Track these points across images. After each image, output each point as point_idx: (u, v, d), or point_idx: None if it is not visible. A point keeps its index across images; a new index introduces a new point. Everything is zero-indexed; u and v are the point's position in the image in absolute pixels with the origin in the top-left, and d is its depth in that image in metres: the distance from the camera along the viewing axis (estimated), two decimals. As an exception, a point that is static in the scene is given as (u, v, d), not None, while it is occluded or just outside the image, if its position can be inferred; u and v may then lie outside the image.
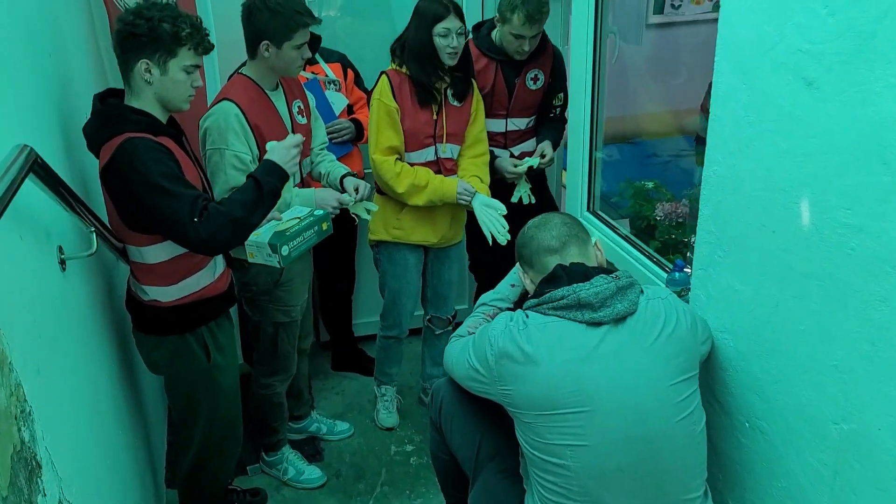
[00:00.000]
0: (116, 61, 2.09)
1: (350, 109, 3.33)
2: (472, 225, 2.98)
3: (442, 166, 2.95)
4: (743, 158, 1.76)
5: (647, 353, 1.64)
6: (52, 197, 1.72)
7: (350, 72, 3.34)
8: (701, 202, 1.95)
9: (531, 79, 3.20)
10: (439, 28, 2.68)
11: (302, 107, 2.71)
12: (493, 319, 1.96)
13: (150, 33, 1.97)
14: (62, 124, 2.10)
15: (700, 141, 3.26)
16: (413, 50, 2.76)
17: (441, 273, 3.20)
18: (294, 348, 2.94)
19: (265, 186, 2.12)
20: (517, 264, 2.08)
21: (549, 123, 3.34)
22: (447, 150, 2.94)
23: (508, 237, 2.73)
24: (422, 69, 2.77)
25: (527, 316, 1.70)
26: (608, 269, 1.75)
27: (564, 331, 1.64)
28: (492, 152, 3.14)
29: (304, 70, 3.17)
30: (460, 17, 2.73)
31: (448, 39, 2.69)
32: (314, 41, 3.20)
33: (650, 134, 4.88)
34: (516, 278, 2.02)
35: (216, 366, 2.30)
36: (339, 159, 3.24)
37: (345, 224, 3.34)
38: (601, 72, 2.86)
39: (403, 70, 2.82)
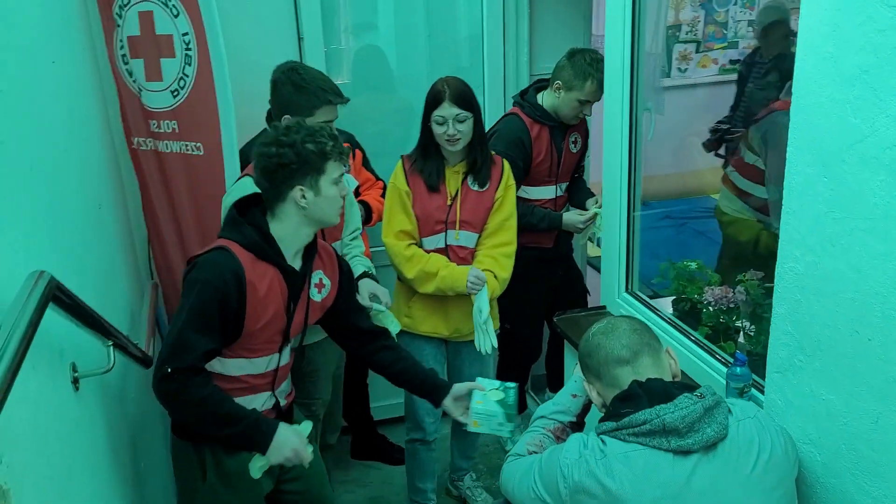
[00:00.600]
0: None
1: (357, 190, 3.19)
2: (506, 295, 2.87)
3: (453, 254, 2.76)
4: (827, 257, 1.61)
5: (745, 487, 1.46)
6: (69, 318, 1.55)
7: (358, 152, 3.22)
8: (775, 299, 1.80)
9: (572, 142, 3.28)
10: (435, 115, 2.56)
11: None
12: (553, 435, 1.79)
13: (298, 159, 1.90)
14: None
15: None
16: (420, 137, 2.69)
17: (461, 369, 2.95)
18: (316, 443, 2.74)
19: (246, 429, 1.94)
20: (576, 371, 1.91)
21: (578, 183, 3.47)
22: (460, 237, 2.75)
23: (490, 352, 2.74)
24: (422, 155, 2.69)
25: (603, 442, 1.52)
26: (689, 385, 1.58)
27: (650, 462, 1.47)
28: (550, 213, 3.26)
29: None
30: (462, 102, 2.55)
31: (444, 127, 2.56)
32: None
33: (659, 196, 4.80)
34: (578, 388, 1.85)
35: (214, 490, 2.04)
36: None
37: None
38: (637, 149, 2.74)
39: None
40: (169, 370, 1.82)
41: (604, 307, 2.95)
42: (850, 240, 1.55)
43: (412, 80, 3.57)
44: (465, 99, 2.56)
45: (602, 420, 1.57)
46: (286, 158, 1.89)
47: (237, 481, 2.03)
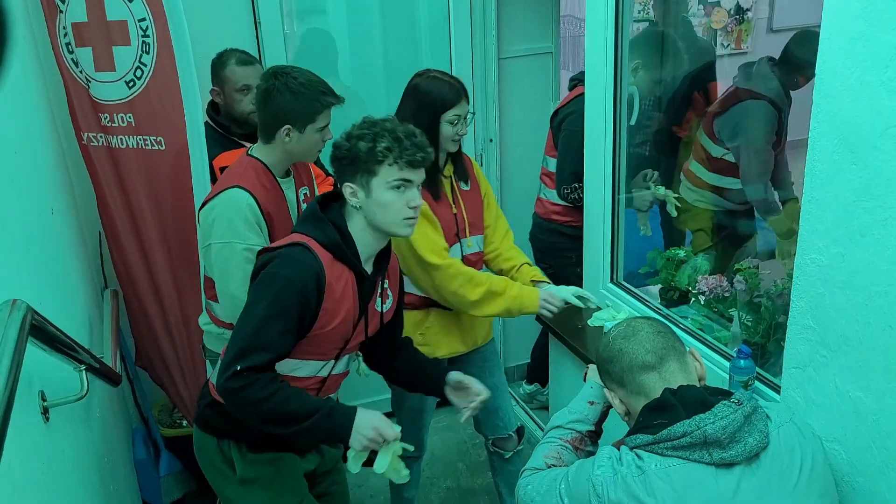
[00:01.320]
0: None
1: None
2: None
3: (468, 263, 2.48)
4: (856, 248, 1.54)
5: (792, 499, 1.37)
6: (42, 347, 1.37)
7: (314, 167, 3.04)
8: (794, 292, 1.72)
9: None
10: (449, 115, 2.30)
11: (308, 194, 2.40)
12: (571, 446, 1.69)
13: (349, 154, 1.79)
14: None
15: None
16: None
17: (483, 380, 2.64)
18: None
19: (320, 423, 1.76)
20: (590, 376, 1.80)
21: None
22: (472, 243, 2.51)
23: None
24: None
25: (639, 457, 1.41)
26: (723, 391, 1.49)
27: (692, 477, 1.37)
28: None
29: None
30: (468, 98, 2.38)
31: (458, 127, 2.33)
32: None
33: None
34: (595, 394, 1.74)
35: (246, 482, 1.97)
36: None
37: None
38: (621, 133, 2.64)
39: None
40: (238, 368, 1.68)
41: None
42: (882, 230, 1.47)
43: (366, 69, 3.42)
44: (467, 94, 2.39)
45: (633, 432, 1.46)
46: (340, 152, 1.81)
47: (269, 479, 1.98)
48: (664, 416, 1.41)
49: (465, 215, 2.46)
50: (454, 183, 2.46)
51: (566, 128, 3.09)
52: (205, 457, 2.02)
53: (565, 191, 3.14)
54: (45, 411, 1.52)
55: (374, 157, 1.77)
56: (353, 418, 1.79)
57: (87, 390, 1.60)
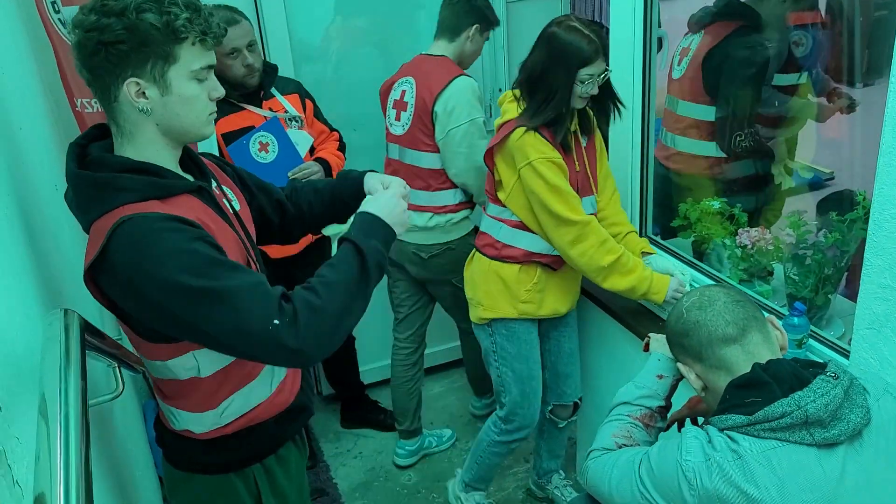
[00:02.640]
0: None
1: (313, 148, 2.89)
2: None
3: None
4: (946, 204, 1.43)
5: (902, 478, 1.29)
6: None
7: (308, 102, 2.89)
8: (868, 249, 1.62)
9: None
10: (583, 74, 2.12)
11: None
12: (641, 423, 1.59)
13: (129, 35, 1.28)
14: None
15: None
16: (550, 93, 2.16)
17: (561, 344, 2.60)
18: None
19: (368, 255, 1.42)
20: (656, 348, 1.70)
21: None
22: (588, 203, 2.36)
23: None
24: (556, 119, 2.19)
25: (732, 440, 1.32)
26: (815, 363, 1.39)
27: (794, 461, 1.27)
28: None
29: (260, 106, 2.72)
30: (606, 56, 2.20)
31: (589, 86, 2.15)
32: (271, 70, 2.75)
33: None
34: (664, 368, 1.64)
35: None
36: None
37: None
38: (651, 76, 2.50)
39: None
40: (276, 322, 1.27)
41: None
42: (979, 185, 1.37)
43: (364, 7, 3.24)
44: (608, 51, 2.26)
45: (722, 412, 1.37)
46: (109, 34, 1.27)
47: (293, 496, 1.72)
48: (757, 394, 1.32)
49: (588, 172, 2.32)
50: (578, 137, 2.31)
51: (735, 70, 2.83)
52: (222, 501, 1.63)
53: (738, 138, 2.87)
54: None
55: (174, 34, 1.30)
56: (377, 217, 1.52)
57: (123, 387, 1.47)
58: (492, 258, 2.40)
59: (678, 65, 2.94)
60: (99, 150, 1.40)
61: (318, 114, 2.93)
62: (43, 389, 0.94)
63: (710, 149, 2.93)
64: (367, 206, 1.55)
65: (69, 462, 0.83)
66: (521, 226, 2.32)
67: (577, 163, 2.28)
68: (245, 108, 2.71)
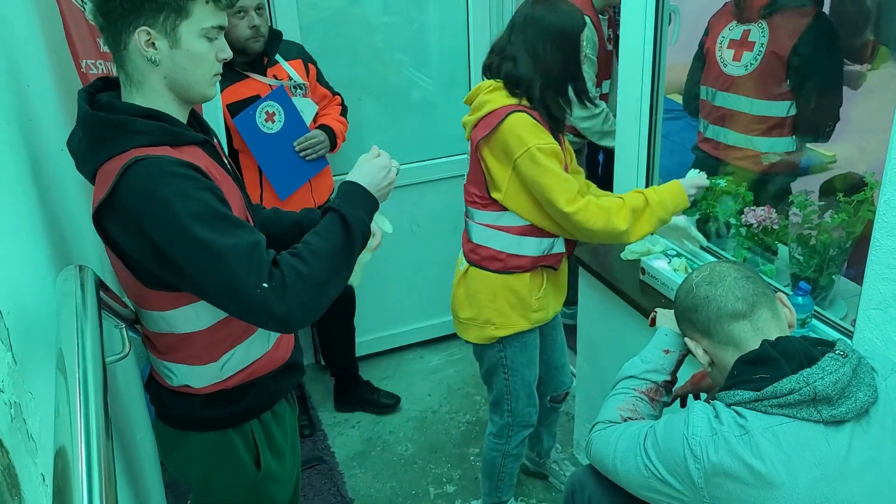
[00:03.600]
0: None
1: (316, 115, 2.88)
2: None
3: None
4: (959, 186, 1.43)
5: (908, 457, 1.30)
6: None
7: (312, 67, 2.87)
8: (876, 228, 1.62)
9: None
10: (581, 38, 2.10)
11: None
12: (647, 397, 1.60)
13: None
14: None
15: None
16: (554, 74, 2.08)
17: (555, 338, 2.60)
18: None
19: (354, 225, 1.46)
20: (663, 322, 1.70)
21: None
22: None
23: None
24: (562, 95, 2.13)
25: (740, 415, 1.33)
26: (824, 341, 1.40)
27: (801, 437, 1.29)
28: None
29: (264, 74, 2.70)
30: None
31: (585, 48, 2.13)
32: (276, 37, 2.72)
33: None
34: (671, 342, 1.65)
35: (269, 475, 1.68)
36: (313, 179, 2.85)
37: None
38: (662, 53, 2.48)
39: (524, 102, 2.10)
40: (265, 286, 1.30)
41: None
42: None
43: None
44: None
45: (730, 387, 1.37)
46: None
47: (287, 452, 1.74)
48: (765, 371, 1.32)
49: (572, 160, 2.31)
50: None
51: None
52: (213, 462, 1.64)
53: (828, 129, 2.75)
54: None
55: None
56: (363, 187, 1.55)
57: (129, 348, 1.47)
58: (498, 272, 2.25)
59: (734, 59, 2.78)
60: (108, 98, 1.42)
61: (320, 78, 2.92)
62: (60, 345, 0.94)
63: (790, 144, 2.83)
64: (353, 175, 1.58)
65: (89, 416, 0.83)
66: (527, 231, 2.20)
67: (564, 155, 2.18)
68: (250, 77, 2.69)
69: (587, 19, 2.20)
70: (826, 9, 2.66)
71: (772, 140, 2.81)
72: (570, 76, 2.12)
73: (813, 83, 2.68)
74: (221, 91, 2.55)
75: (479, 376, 2.57)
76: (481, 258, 2.26)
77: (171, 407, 1.62)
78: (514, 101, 2.09)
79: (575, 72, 2.13)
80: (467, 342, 2.43)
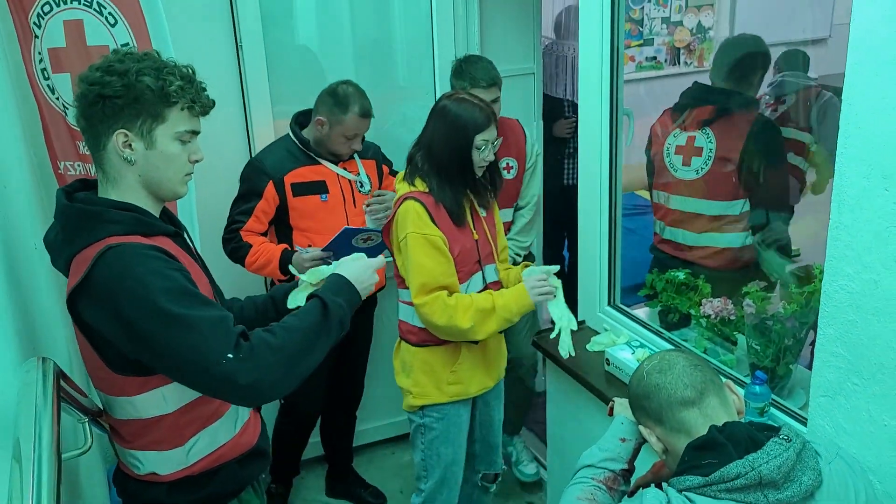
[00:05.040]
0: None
1: None
2: None
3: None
4: (891, 275, 1.51)
5: (852, 539, 1.33)
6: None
7: (385, 167, 3.03)
8: (821, 319, 1.69)
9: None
10: (480, 140, 2.21)
11: None
12: (605, 485, 1.62)
13: (126, 92, 1.44)
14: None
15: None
16: (444, 163, 2.25)
17: (493, 418, 2.62)
18: None
19: (332, 309, 1.57)
20: (620, 412, 1.74)
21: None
22: (493, 271, 2.44)
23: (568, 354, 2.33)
24: (455, 186, 2.26)
25: (690, 500, 1.36)
26: (769, 426, 1.44)
27: (749, 521, 1.31)
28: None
29: (336, 164, 2.83)
30: (497, 123, 2.29)
31: (484, 152, 2.23)
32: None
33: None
34: (627, 431, 1.68)
35: None
36: None
37: (363, 316, 3.05)
38: (618, 152, 2.61)
39: (424, 188, 2.29)
40: (230, 356, 1.37)
41: (582, 322, 2.82)
42: (920, 257, 1.46)
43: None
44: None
45: (681, 473, 1.40)
46: (109, 89, 1.43)
47: None
48: (713, 456, 1.36)
49: (490, 239, 2.40)
50: (474, 207, 2.38)
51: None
52: None
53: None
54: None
55: (165, 98, 1.46)
56: (347, 280, 1.67)
57: (92, 442, 1.48)
58: (415, 345, 2.40)
59: (684, 165, 2.91)
60: (87, 194, 1.53)
61: (393, 174, 3.01)
62: (18, 434, 0.96)
63: (747, 238, 2.94)
64: (341, 269, 1.70)
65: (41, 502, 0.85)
66: None
67: (475, 232, 2.34)
68: (320, 164, 2.79)
69: None
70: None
71: (730, 236, 2.94)
72: (458, 172, 2.24)
73: (764, 181, 2.82)
74: (290, 171, 2.75)
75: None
76: (403, 332, 2.45)
77: (137, 497, 1.64)
78: (415, 188, 2.28)
79: (463, 169, 2.24)
80: None
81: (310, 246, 2.72)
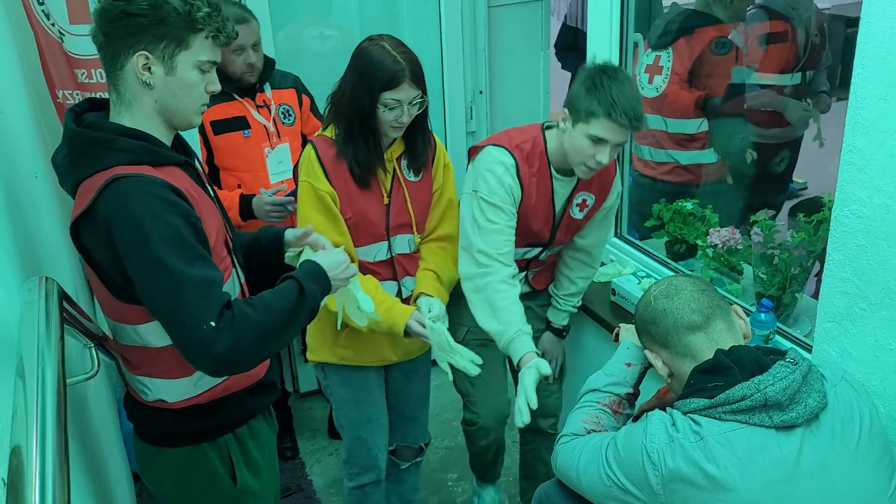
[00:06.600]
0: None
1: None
2: None
3: (400, 267, 2.17)
4: (904, 199, 1.49)
5: (856, 459, 1.34)
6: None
7: (305, 98, 2.90)
8: (831, 244, 1.67)
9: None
10: (388, 98, 1.91)
11: None
12: (610, 409, 1.63)
13: (152, 12, 1.38)
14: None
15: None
16: (347, 115, 1.98)
17: (409, 389, 2.42)
18: None
19: (308, 296, 1.55)
20: (625, 337, 1.74)
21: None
22: (406, 243, 2.16)
23: (478, 369, 2.02)
24: (349, 141, 1.99)
25: (695, 422, 1.36)
26: (777, 350, 1.44)
27: (753, 442, 1.32)
28: None
29: (253, 99, 2.72)
30: (420, 82, 1.95)
31: (396, 112, 1.93)
32: (269, 65, 2.76)
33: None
34: (633, 356, 1.68)
35: (245, 490, 1.68)
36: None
37: None
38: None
39: (333, 136, 2.04)
40: (213, 324, 1.37)
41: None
42: (934, 180, 1.43)
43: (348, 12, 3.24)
44: (422, 77, 1.97)
45: (686, 396, 1.41)
46: (134, 6, 1.37)
47: (265, 468, 1.75)
48: (719, 379, 1.36)
49: (409, 209, 2.11)
50: (398, 169, 2.09)
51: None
52: (188, 477, 1.65)
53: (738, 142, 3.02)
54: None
55: (192, 24, 1.41)
56: (323, 269, 1.64)
57: (98, 367, 1.48)
58: None
59: (649, 83, 2.99)
60: (95, 117, 1.47)
61: (314, 109, 2.94)
62: (21, 351, 0.96)
63: (711, 157, 3.05)
64: (317, 257, 1.67)
65: (45, 416, 0.85)
66: None
67: (385, 196, 2.08)
68: (236, 99, 2.72)
69: (510, 159, 2.08)
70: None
71: (690, 153, 2.99)
72: (361, 131, 1.98)
73: (718, 101, 2.88)
74: (209, 107, 2.59)
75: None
76: None
77: (145, 422, 1.65)
78: (325, 133, 2.06)
79: (367, 127, 1.96)
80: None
81: (263, 190, 2.62)
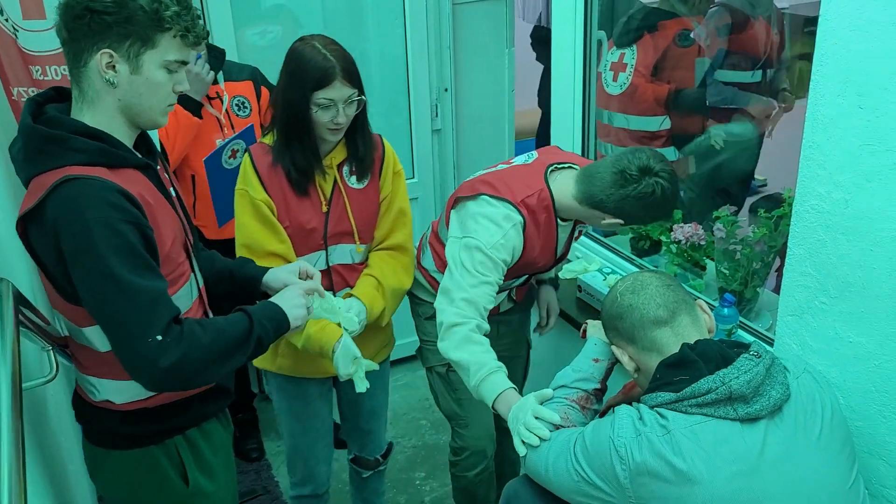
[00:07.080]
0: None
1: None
2: None
3: (339, 277, 2.09)
4: (862, 194, 1.51)
5: (818, 450, 1.36)
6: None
7: (264, 90, 2.86)
8: (791, 239, 1.70)
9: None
10: (320, 98, 1.85)
11: None
12: (578, 405, 1.64)
13: (117, 10, 1.33)
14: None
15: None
16: (282, 118, 1.92)
17: (360, 402, 2.32)
18: None
19: (256, 329, 1.51)
20: (593, 333, 1.75)
21: None
22: (347, 253, 2.09)
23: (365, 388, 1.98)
24: (285, 146, 1.94)
25: (661, 416, 1.37)
26: (740, 343, 1.46)
27: (718, 435, 1.33)
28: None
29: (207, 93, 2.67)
30: (354, 80, 1.88)
31: (331, 112, 1.87)
32: (219, 55, 2.71)
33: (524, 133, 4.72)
34: (600, 351, 1.69)
35: (198, 492, 1.64)
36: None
37: None
38: (591, 76, 2.57)
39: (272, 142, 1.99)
40: (159, 338, 1.34)
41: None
42: (891, 174, 1.45)
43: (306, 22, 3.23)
44: (357, 75, 1.90)
45: (653, 390, 1.42)
46: (100, 3, 1.33)
47: (220, 470, 1.70)
48: (685, 373, 1.37)
49: (350, 217, 2.04)
50: (339, 176, 2.03)
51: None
52: (138, 480, 1.61)
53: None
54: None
55: (159, 23, 1.36)
56: (281, 309, 1.59)
57: (57, 371, 1.45)
58: None
59: (614, 80, 3.00)
60: (55, 111, 1.42)
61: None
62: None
63: (671, 154, 3.06)
64: (276, 298, 1.64)
65: None
66: None
67: (324, 204, 2.01)
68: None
69: (518, 217, 1.97)
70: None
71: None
72: (296, 133, 1.92)
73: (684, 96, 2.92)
74: None
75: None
76: None
77: (93, 423, 1.61)
78: (264, 141, 2.01)
79: (301, 129, 1.91)
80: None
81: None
